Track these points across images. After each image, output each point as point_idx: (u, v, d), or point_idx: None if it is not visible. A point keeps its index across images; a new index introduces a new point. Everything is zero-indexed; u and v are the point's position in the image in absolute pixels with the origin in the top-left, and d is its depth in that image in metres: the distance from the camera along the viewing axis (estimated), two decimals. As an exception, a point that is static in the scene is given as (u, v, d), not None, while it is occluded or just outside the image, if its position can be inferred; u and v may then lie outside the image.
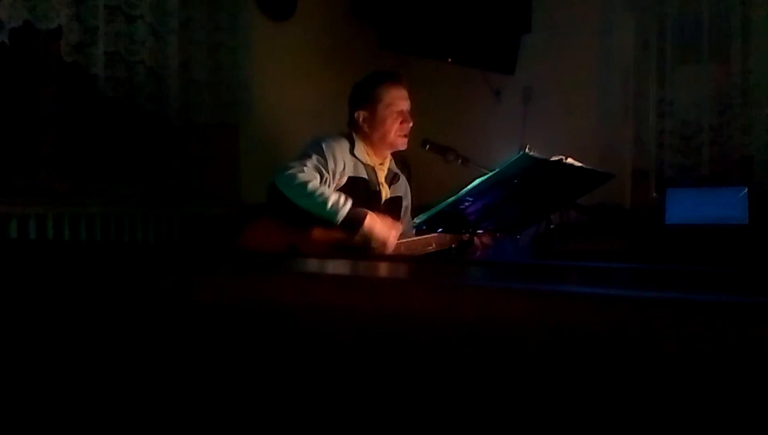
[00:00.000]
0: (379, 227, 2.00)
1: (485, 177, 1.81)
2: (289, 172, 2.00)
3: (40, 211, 2.30)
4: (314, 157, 2.06)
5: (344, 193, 2.07)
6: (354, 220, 1.97)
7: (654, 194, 3.37)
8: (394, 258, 1.81)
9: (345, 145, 2.17)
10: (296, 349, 0.70)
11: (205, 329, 0.76)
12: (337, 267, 1.01)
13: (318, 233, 2.04)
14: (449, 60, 3.43)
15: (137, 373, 0.81)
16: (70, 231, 2.36)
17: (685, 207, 2.98)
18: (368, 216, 1.99)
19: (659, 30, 3.35)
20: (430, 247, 2.10)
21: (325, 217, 1.97)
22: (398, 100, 2.21)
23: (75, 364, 0.86)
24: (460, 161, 2.19)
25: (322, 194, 1.97)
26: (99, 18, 2.36)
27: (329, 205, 1.95)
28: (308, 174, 2.01)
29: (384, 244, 2.00)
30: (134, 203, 2.66)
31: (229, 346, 0.74)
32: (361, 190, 2.16)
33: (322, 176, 2.06)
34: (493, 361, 0.59)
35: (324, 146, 2.10)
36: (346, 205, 1.97)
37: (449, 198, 1.87)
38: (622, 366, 0.52)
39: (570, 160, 1.80)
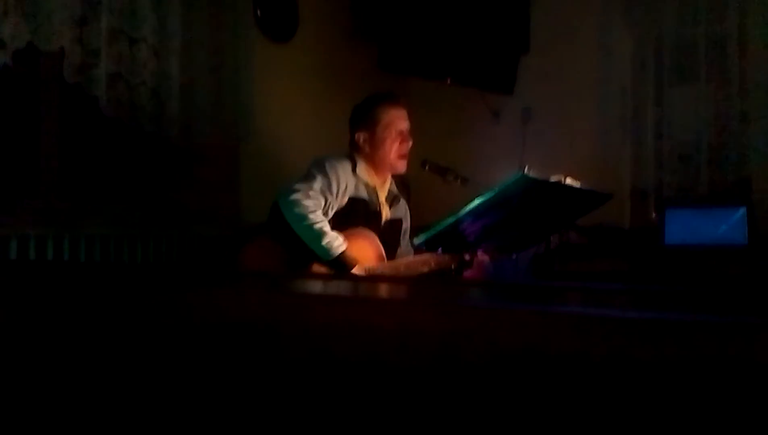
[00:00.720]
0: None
1: (484, 197, 1.81)
2: (294, 196, 2.00)
3: (40, 232, 2.30)
4: (319, 179, 2.07)
5: (345, 214, 2.07)
6: (342, 266, 1.97)
7: (653, 214, 3.37)
8: (393, 278, 1.81)
9: (347, 165, 2.18)
10: (294, 367, 0.70)
11: (207, 347, 0.76)
12: (334, 287, 1.01)
13: (313, 265, 2.04)
14: (448, 80, 3.46)
15: (140, 391, 0.80)
16: (69, 252, 2.36)
17: (685, 227, 2.98)
18: (356, 267, 1.99)
19: (656, 50, 3.38)
20: (429, 268, 2.10)
21: (316, 251, 1.97)
22: (397, 121, 2.23)
23: (78, 384, 0.85)
24: (459, 181, 2.20)
25: (320, 228, 1.97)
26: (101, 40, 2.38)
27: (324, 241, 1.96)
28: (313, 201, 2.01)
29: None
30: (134, 224, 2.66)
31: (227, 364, 0.74)
32: (361, 210, 2.16)
33: (326, 200, 2.07)
34: (493, 382, 0.58)
35: (328, 167, 2.11)
36: (340, 247, 1.97)
37: (448, 218, 1.87)
38: (623, 386, 0.52)
39: (569, 181, 1.81)
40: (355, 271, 1.99)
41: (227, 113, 2.86)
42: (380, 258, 2.10)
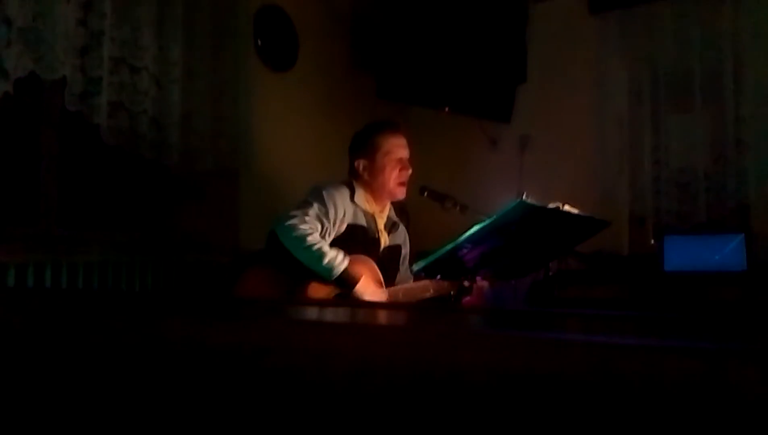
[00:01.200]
0: (371, 292, 2.01)
1: (483, 224, 1.81)
2: (290, 222, 2.01)
3: (39, 259, 2.29)
4: (315, 206, 2.08)
5: (343, 240, 2.07)
6: (348, 280, 1.98)
7: (652, 241, 3.38)
8: (391, 305, 1.80)
9: (345, 192, 2.18)
10: (287, 393, 0.69)
11: (203, 373, 0.75)
12: (331, 314, 1.01)
13: (311, 284, 2.04)
14: (447, 109, 3.49)
15: (132, 418, 0.79)
16: (68, 278, 2.35)
17: (684, 254, 2.98)
18: (361, 281, 1.99)
19: (651, 79, 3.42)
20: (428, 294, 2.10)
21: (320, 272, 1.97)
22: (397, 148, 2.24)
23: (73, 409, 0.85)
24: (458, 208, 2.21)
25: (320, 249, 1.98)
26: (103, 69, 2.40)
27: (326, 260, 1.96)
28: (309, 225, 2.02)
29: None
30: (133, 251, 2.65)
31: (217, 391, 0.73)
32: (360, 237, 2.16)
33: (323, 226, 2.07)
34: (492, 409, 0.58)
35: (325, 194, 2.12)
36: (342, 264, 1.97)
37: (447, 245, 1.87)
38: (622, 413, 0.52)
39: (567, 208, 1.81)
40: (360, 284, 1.98)
41: (227, 141, 2.88)
42: (378, 284, 2.10)
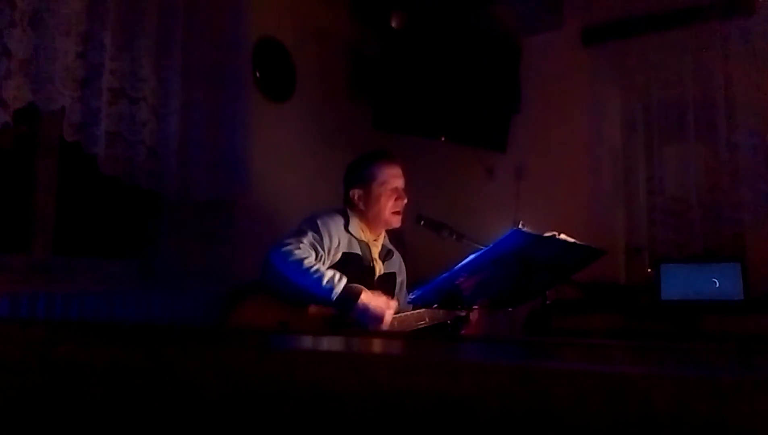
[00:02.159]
0: (374, 304, 1.99)
1: (479, 253, 1.82)
2: (285, 249, 2.01)
3: (33, 289, 2.28)
4: (310, 234, 2.08)
5: (338, 269, 2.07)
6: (349, 297, 1.97)
7: (648, 270, 3.38)
8: (386, 334, 1.79)
9: (340, 221, 2.19)
10: (284, 427, 0.68)
11: (194, 404, 0.74)
12: (326, 344, 1.00)
13: (312, 310, 2.03)
14: (442, 139, 3.52)
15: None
16: (62, 308, 2.34)
17: (680, 283, 2.98)
18: (363, 293, 1.99)
19: (645, 110, 3.46)
20: (423, 322, 2.09)
21: (320, 295, 1.96)
22: (392, 178, 2.26)
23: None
24: (454, 237, 2.21)
25: (317, 271, 1.97)
26: (102, 99, 2.42)
27: (324, 281, 1.95)
28: (304, 251, 2.02)
29: (379, 320, 1.99)
30: (129, 280, 2.64)
31: (215, 422, 0.73)
32: (354, 266, 2.16)
33: (317, 253, 2.07)
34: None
35: (319, 223, 2.12)
36: (341, 282, 1.97)
37: (444, 274, 1.87)
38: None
39: (563, 236, 1.82)
40: (363, 297, 1.97)
41: (224, 170, 2.89)
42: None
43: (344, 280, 1.97)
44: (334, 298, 1.95)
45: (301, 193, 3.20)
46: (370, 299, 2.00)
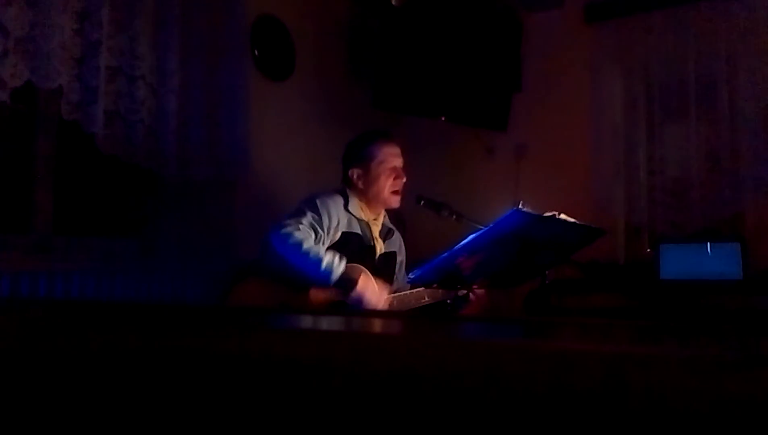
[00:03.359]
0: (371, 290, 2.01)
1: (479, 233, 1.82)
2: (284, 230, 2.01)
3: (34, 268, 2.28)
4: (309, 214, 2.08)
5: (338, 248, 2.08)
6: (348, 281, 1.98)
7: (648, 250, 3.38)
8: (385, 313, 1.80)
9: (339, 201, 2.19)
10: (283, 404, 0.69)
11: (198, 384, 0.75)
12: (325, 323, 1.01)
13: (313, 294, 2.04)
14: (442, 118, 3.50)
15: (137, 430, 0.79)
16: (63, 287, 2.34)
17: (680, 262, 2.99)
18: (361, 277, 2.00)
19: (646, 89, 3.44)
20: (423, 301, 2.10)
21: (319, 277, 1.97)
22: (391, 157, 2.26)
23: (76, 426, 0.84)
24: (454, 217, 2.21)
25: (317, 254, 1.98)
26: (100, 78, 2.40)
27: (323, 265, 1.96)
28: (303, 232, 2.02)
29: (375, 306, 2.01)
30: (129, 259, 2.64)
31: (218, 401, 0.73)
32: (355, 245, 2.17)
33: (317, 234, 2.07)
34: (488, 419, 0.58)
35: (318, 202, 2.12)
36: (340, 266, 1.97)
37: (443, 253, 1.87)
38: (620, 423, 0.52)
39: (563, 216, 1.82)
40: (360, 283, 1.98)
41: (223, 150, 2.88)
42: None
43: (343, 264, 1.98)
44: (333, 281, 1.97)
45: (300, 172, 3.19)
46: (368, 284, 2.01)
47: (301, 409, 0.68)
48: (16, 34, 2.17)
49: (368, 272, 2.10)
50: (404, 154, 2.31)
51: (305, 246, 1.99)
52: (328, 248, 2.11)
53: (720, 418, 0.48)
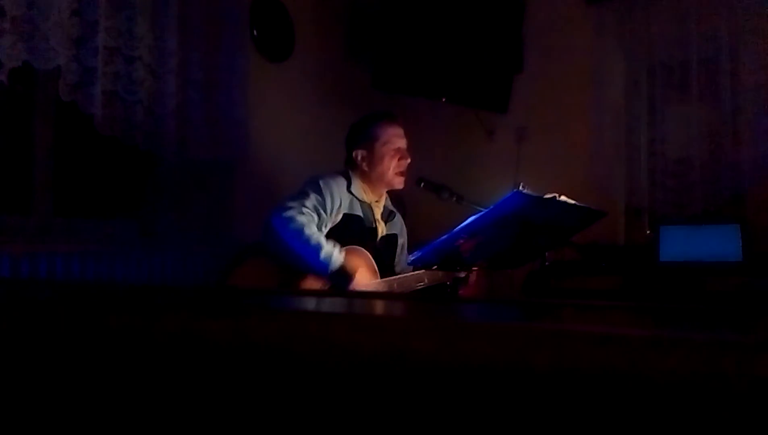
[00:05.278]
0: (364, 286, 2.02)
1: (479, 215, 1.82)
2: (287, 214, 2.00)
3: (34, 249, 2.29)
4: (312, 196, 2.07)
5: (339, 230, 2.07)
6: (344, 275, 1.97)
7: (647, 232, 3.39)
8: (386, 295, 1.80)
9: (342, 182, 2.18)
10: (284, 387, 0.69)
11: (197, 367, 0.75)
12: (326, 304, 1.01)
13: (306, 282, 2.04)
14: (443, 100, 3.49)
15: (137, 415, 0.79)
16: (63, 268, 2.35)
17: (679, 244, 2.99)
18: (358, 274, 1.99)
19: (648, 71, 3.42)
20: (422, 283, 2.10)
21: (315, 267, 1.96)
22: (395, 138, 2.25)
23: (74, 409, 0.85)
24: (454, 199, 2.21)
25: (317, 243, 1.96)
26: (98, 59, 2.38)
27: (322, 254, 1.95)
28: (306, 217, 2.01)
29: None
30: (128, 241, 2.65)
31: (220, 383, 0.73)
32: (356, 227, 2.16)
33: (320, 216, 2.07)
34: (488, 401, 0.58)
35: (322, 184, 2.12)
36: (338, 259, 1.96)
37: (443, 235, 1.87)
38: (620, 405, 0.52)
39: (563, 198, 1.81)
40: (357, 279, 1.99)
41: (223, 131, 2.87)
42: (374, 275, 2.10)
43: (342, 257, 1.97)
44: (329, 272, 1.96)
45: (300, 154, 3.18)
46: (362, 280, 2.02)
47: (299, 392, 0.69)
48: (13, 14, 2.15)
49: (369, 256, 2.10)
50: (405, 135, 2.30)
51: (307, 232, 1.97)
52: (330, 230, 2.10)
53: (716, 403, 0.48)
